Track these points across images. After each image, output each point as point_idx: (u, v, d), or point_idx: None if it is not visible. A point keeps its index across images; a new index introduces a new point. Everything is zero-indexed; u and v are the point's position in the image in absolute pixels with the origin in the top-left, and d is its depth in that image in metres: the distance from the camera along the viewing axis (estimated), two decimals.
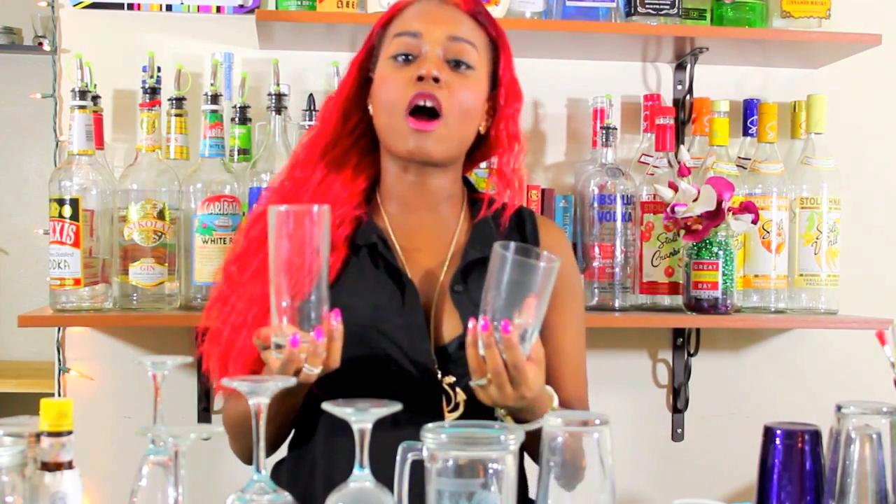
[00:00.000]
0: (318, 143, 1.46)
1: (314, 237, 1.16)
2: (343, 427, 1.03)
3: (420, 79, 1.36)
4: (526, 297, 1.18)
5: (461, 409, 1.38)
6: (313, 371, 1.19)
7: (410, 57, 1.39)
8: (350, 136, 1.47)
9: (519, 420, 1.30)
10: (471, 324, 1.21)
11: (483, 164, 1.63)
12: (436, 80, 1.36)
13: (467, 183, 1.55)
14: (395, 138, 1.40)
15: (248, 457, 1.48)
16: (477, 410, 1.36)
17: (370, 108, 1.45)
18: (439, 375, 1.38)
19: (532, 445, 1.27)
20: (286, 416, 1.40)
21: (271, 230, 1.16)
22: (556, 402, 1.33)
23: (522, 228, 1.51)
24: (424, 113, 1.37)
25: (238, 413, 1.41)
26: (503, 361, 1.20)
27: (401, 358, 1.37)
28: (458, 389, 1.38)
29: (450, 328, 1.41)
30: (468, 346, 1.22)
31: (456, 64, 1.40)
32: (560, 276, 1.48)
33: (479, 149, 1.51)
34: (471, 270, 1.43)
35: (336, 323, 1.20)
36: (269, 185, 1.45)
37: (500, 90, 1.46)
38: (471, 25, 1.43)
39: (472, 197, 1.53)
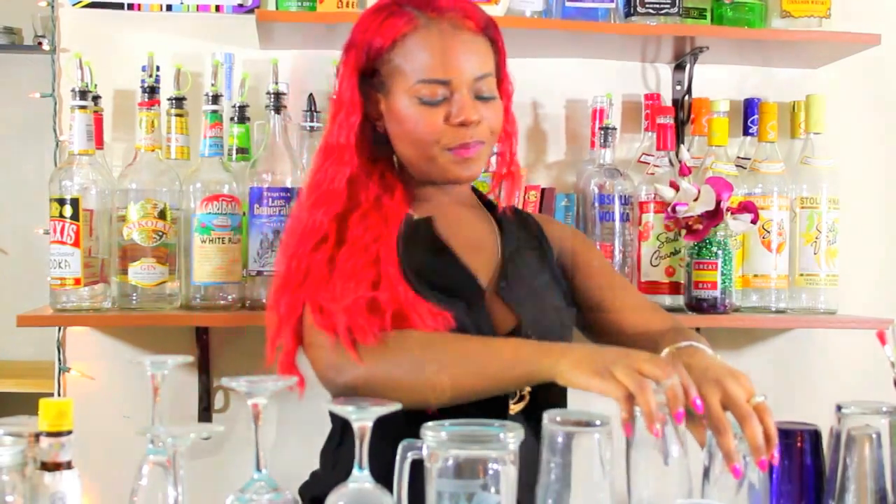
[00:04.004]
0: (345, 166, 1.43)
1: None
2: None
3: (462, 124, 1.40)
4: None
5: (526, 399, 1.41)
6: None
7: (439, 99, 1.41)
8: (366, 153, 1.46)
9: None
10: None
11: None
12: (477, 122, 1.41)
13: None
14: (434, 169, 1.44)
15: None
16: (541, 399, 1.38)
17: (388, 132, 1.46)
18: None
19: None
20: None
21: None
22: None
23: (525, 224, 1.59)
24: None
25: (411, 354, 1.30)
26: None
27: None
28: None
29: (503, 321, 1.43)
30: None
31: (482, 96, 1.43)
32: (581, 254, 1.59)
33: None
34: (508, 264, 1.49)
35: None
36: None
37: (501, 88, 1.50)
38: (485, 50, 1.44)
39: (480, 196, 1.60)
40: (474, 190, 1.61)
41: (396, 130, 1.44)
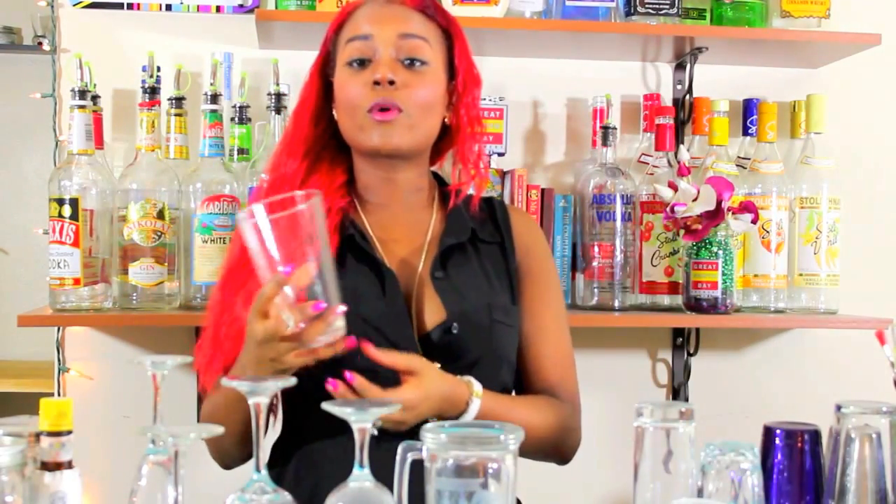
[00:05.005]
0: (294, 154, 1.47)
1: (303, 226, 1.14)
2: (340, 425, 1.03)
3: (377, 83, 1.38)
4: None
5: None
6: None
7: (365, 60, 1.41)
8: (321, 141, 1.48)
9: (449, 419, 1.32)
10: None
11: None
12: (391, 82, 1.39)
13: (437, 177, 1.57)
14: (360, 135, 1.42)
15: (223, 455, 1.47)
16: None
17: (335, 114, 1.47)
18: None
19: None
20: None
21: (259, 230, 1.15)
22: (475, 387, 1.34)
23: (494, 216, 1.54)
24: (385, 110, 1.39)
25: (218, 408, 1.43)
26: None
27: (384, 345, 1.36)
28: None
29: (432, 315, 1.41)
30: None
31: (410, 62, 1.42)
32: (535, 259, 1.53)
33: (444, 140, 1.52)
34: (448, 257, 1.45)
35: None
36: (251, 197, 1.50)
37: (458, 78, 1.48)
38: (420, 20, 1.45)
39: (443, 190, 1.54)
40: (439, 180, 1.56)
41: (337, 105, 1.46)
